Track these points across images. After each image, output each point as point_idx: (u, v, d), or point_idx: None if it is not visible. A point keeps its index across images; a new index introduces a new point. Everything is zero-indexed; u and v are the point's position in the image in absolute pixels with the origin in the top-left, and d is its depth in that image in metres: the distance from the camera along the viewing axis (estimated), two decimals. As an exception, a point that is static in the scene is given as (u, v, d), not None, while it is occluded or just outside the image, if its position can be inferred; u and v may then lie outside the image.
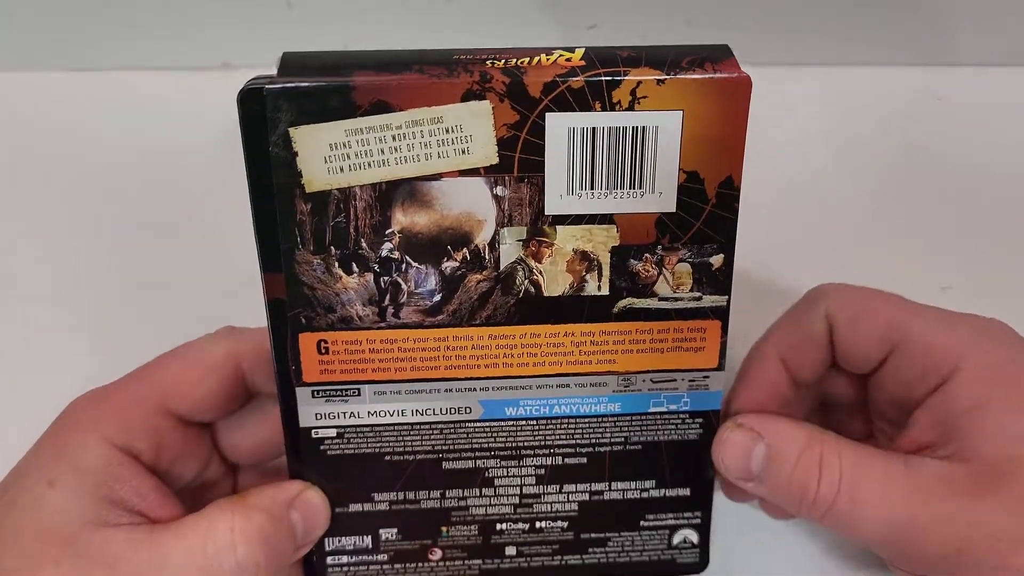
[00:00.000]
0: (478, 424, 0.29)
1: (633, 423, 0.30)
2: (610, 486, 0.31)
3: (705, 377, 0.30)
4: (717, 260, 0.28)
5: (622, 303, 0.28)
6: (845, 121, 0.39)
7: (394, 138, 0.26)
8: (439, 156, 0.26)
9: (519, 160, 0.26)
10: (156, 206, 0.40)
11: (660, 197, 0.27)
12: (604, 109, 0.26)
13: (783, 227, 0.36)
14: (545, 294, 0.28)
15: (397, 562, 0.31)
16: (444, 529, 0.31)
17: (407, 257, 0.27)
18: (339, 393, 0.29)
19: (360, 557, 0.31)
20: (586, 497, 0.31)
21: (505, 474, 0.30)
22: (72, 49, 0.41)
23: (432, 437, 0.30)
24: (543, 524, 0.31)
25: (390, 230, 0.27)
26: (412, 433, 0.29)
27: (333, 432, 0.29)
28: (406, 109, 0.26)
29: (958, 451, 0.28)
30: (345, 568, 0.31)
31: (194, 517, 0.28)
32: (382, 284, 0.28)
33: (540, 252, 0.28)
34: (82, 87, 0.42)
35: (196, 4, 0.40)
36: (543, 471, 0.30)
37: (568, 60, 0.26)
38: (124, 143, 0.41)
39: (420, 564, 0.31)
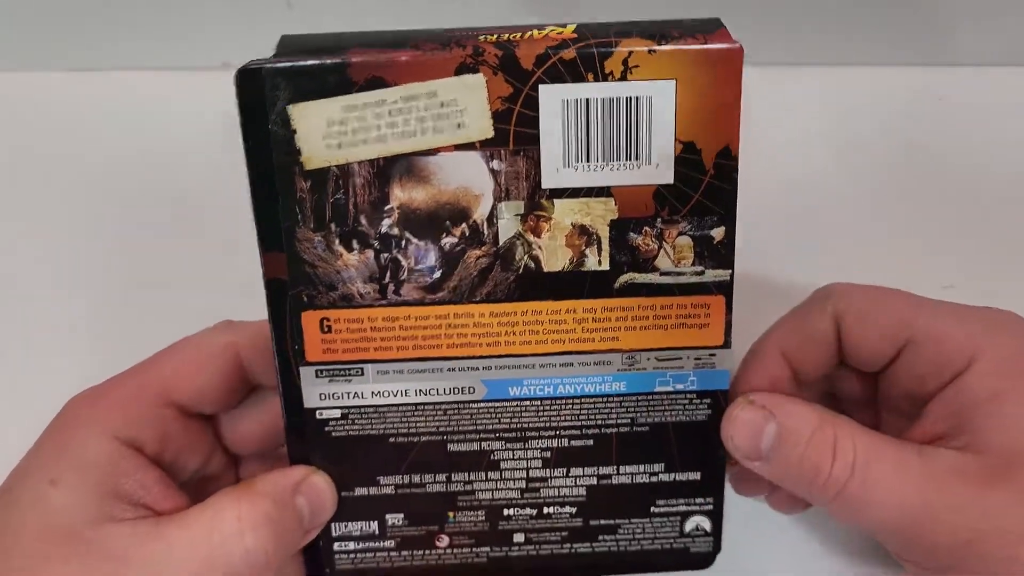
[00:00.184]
0: (482, 404, 0.29)
1: (639, 403, 0.30)
2: (618, 470, 0.30)
3: (711, 355, 0.29)
4: (718, 233, 0.28)
5: (623, 278, 0.28)
6: (845, 121, 0.39)
7: (390, 113, 0.26)
8: (435, 131, 0.27)
9: (514, 133, 0.27)
10: (156, 206, 0.41)
11: (657, 168, 0.27)
12: (597, 80, 0.26)
13: (783, 227, 0.36)
14: (545, 269, 0.28)
15: (404, 549, 0.31)
16: (451, 514, 0.31)
17: (406, 233, 0.28)
18: (343, 373, 0.29)
19: (367, 544, 0.31)
20: (594, 481, 0.30)
21: (511, 457, 0.30)
22: (72, 49, 0.42)
23: (436, 418, 0.29)
24: (551, 510, 0.31)
25: (389, 206, 0.27)
26: (416, 414, 0.29)
27: (337, 413, 0.29)
28: (401, 84, 0.26)
29: (971, 443, 0.28)
30: (352, 555, 0.31)
31: (199, 507, 0.28)
32: (382, 261, 0.28)
33: (538, 227, 0.28)
34: (82, 87, 0.42)
35: (196, 4, 0.40)
36: (549, 454, 0.30)
37: (560, 33, 0.26)
38: (124, 143, 0.42)
39: (427, 551, 0.31)
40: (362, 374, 0.29)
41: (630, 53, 0.26)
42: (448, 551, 0.31)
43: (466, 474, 0.30)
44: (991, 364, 0.28)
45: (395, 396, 0.29)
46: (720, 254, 0.28)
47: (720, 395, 0.30)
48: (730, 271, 0.28)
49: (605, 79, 0.26)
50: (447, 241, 0.28)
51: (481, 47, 0.26)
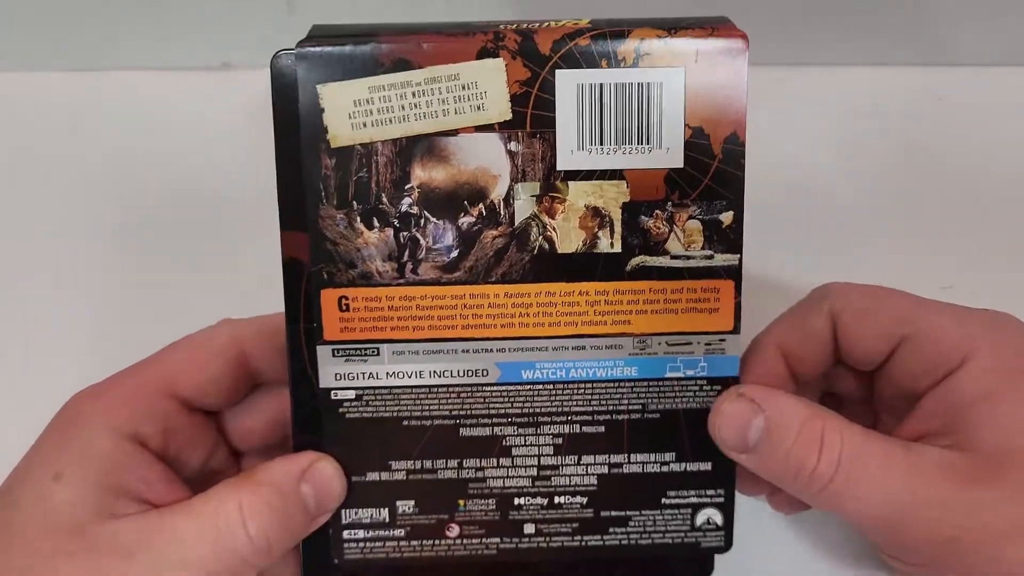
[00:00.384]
0: (495, 388, 0.30)
1: (650, 389, 0.30)
2: (629, 458, 0.30)
3: (721, 340, 0.30)
4: (727, 217, 0.29)
5: (635, 261, 0.29)
6: (845, 121, 0.40)
7: (414, 95, 0.28)
8: (456, 112, 0.28)
9: (531, 116, 0.28)
10: (156, 206, 0.41)
11: (668, 152, 0.28)
12: (610, 66, 0.28)
13: (783, 227, 0.36)
14: (559, 251, 0.29)
15: (414, 538, 0.31)
16: (461, 502, 0.31)
17: (425, 212, 0.29)
18: (359, 352, 0.29)
19: (377, 532, 0.31)
20: (605, 470, 0.30)
21: (523, 443, 0.30)
22: (72, 49, 0.42)
23: (449, 401, 0.30)
24: (562, 499, 0.31)
25: (409, 185, 0.28)
26: (430, 396, 0.30)
27: (352, 394, 0.30)
28: (426, 67, 0.28)
29: (960, 440, 0.28)
30: (362, 544, 0.31)
31: (203, 497, 0.28)
32: (401, 239, 0.29)
33: (553, 208, 0.29)
34: (82, 87, 0.42)
35: (196, 4, 0.41)
36: (560, 440, 0.30)
37: (576, 24, 0.28)
38: (124, 143, 0.42)
39: (437, 541, 0.31)
40: (378, 354, 0.29)
41: (642, 41, 0.28)
42: (458, 542, 0.31)
43: (478, 460, 0.30)
44: (985, 363, 0.29)
45: (410, 377, 0.30)
46: (729, 238, 0.29)
47: (731, 382, 0.30)
48: (739, 256, 0.29)
49: (618, 65, 0.28)
50: (465, 221, 0.29)
51: (502, 33, 0.27)
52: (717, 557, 0.32)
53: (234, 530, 0.27)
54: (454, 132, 0.28)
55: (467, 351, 0.29)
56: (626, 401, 0.30)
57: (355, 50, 0.27)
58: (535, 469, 0.30)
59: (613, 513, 0.31)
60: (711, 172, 0.28)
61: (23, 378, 0.39)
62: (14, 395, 0.38)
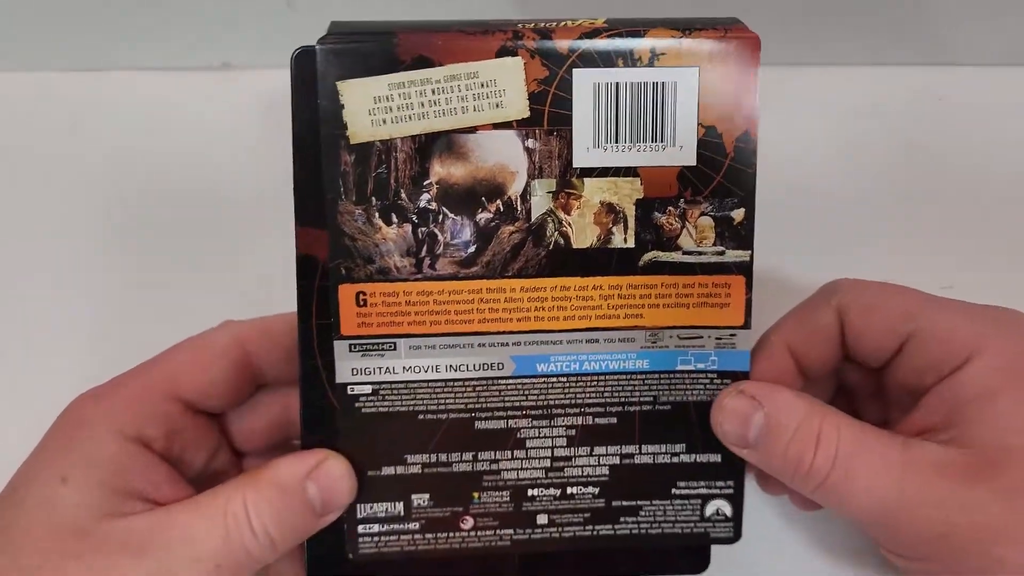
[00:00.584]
0: (510, 381, 0.30)
1: (661, 381, 0.30)
2: (640, 449, 0.31)
3: (732, 335, 0.30)
4: (738, 214, 0.30)
5: (647, 256, 0.30)
6: (845, 121, 0.40)
7: (433, 92, 0.28)
8: (475, 109, 0.28)
9: (548, 114, 0.28)
10: (156, 206, 0.41)
11: (681, 150, 0.29)
12: (626, 66, 0.28)
13: (783, 227, 0.37)
14: (574, 246, 0.29)
15: (428, 531, 0.31)
16: (476, 495, 0.31)
17: (444, 208, 0.29)
18: (376, 347, 0.30)
19: (391, 526, 0.31)
20: (617, 460, 0.31)
21: (537, 435, 0.31)
22: (72, 49, 0.42)
23: (465, 394, 0.30)
24: (574, 490, 0.31)
25: (428, 181, 0.29)
26: (445, 390, 0.30)
27: (368, 389, 0.30)
28: (445, 64, 0.28)
29: (958, 437, 0.28)
30: (376, 538, 0.31)
31: (210, 492, 0.28)
32: (419, 235, 0.29)
33: (569, 204, 0.29)
34: (82, 87, 0.42)
35: (196, 4, 0.40)
36: (574, 432, 0.31)
37: (592, 23, 0.29)
38: (124, 143, 0.42)
39: (452, 534, 0.31)
40: (394, 349, 0.30)
41: (657, 42, 0.28)
42: (472, 534, 0.31)
43: (492, 452, 0.31)
44: (990, 361, 0.29)
45: (426, 372, 0.30)
46: (740, 235, 0.30)
47: (741, 376, 0.31)
48: (750, 252, 0.30)
49: (634, 65, 0.28)
50: (482, 216, 0.29)
51: (520, 31, 0.28)
52: (723, 555, 0.32)
53: (241, 526, 0.28)
54: (473, 129, 0.28)
55: (483, 345, 0.30)
56: (638, 393, 0.31)
57: (375, 47, 0.28)
58: (548, 461, 0.31)
59: (624, 503, 0.31)
60: (723, 170, 0.29)
61: (23, 378, 0.39)
62: (14, 395, 0.38)
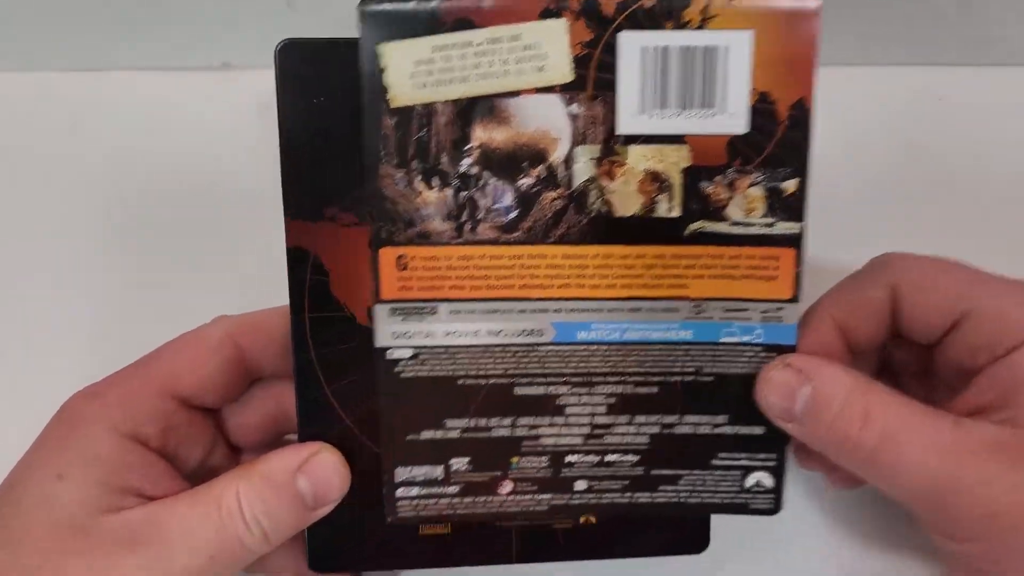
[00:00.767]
0: (551, 348, 0.30)
1: (705, 353, 0.30)
2: (681, 419, 0.31)
3: (779, 309, 0.30)
4: (790, 185, 0.28)
5: (693, 226, 0.29)
6: (845, 121, 0.39)
7: (475, 55, 0.28)
8: (517, 73, 0.28)
9: (593, 78, 0.28)
10: (156, 206, 0.41)
11: (731, 118, 0.28)
12: (675, 28, 0.27)
13: None
14: (617, 214, 0.29)
15: (467, 495, 0.31)
16: (514, 460, 0.31)
17: (485, 173, 0.29)
18: (416, 311, 0.30)
19: (430, 489, 0.31)
20: (657, 430, 0.31)
21: (577, 402, 0.31)
22: (72, 49, 0.42)
23: (505, 360, 0.30)
24: (613, 457, 0.31)
25: (469, 145, 0.28)
26: (486, 355, 0.30)
27: (408, 353, 0.30)
28: (487, 26, 0.27)
29: (1012, 417, 0.28)
30: (415, 501, 0.31)
31: (205, 486, 0.29)
32: (460, 199, 0.29)
33: (612, 171, 0.28)
34: (82, 87, 0.42)
35: (196, 4, 0.40)
36: (614, 400, 0.30)
37: (642, -17, 0.27)
38: (124, 143, 0.42)
39: (490, 498, 0.31)
40: (435, 312, 0.30)
41: (708, 3, 0.27)
42: (510, 498, 0.31)
43: (532, 418, 0.31)
44: None
45: (466, 336, 0.30)
46: (791, 207, 0.29)
47: (787, 350, 0.30)
48: (801, 224, 0.29)
49: (683, 28, 0.27)
50: (524, 182, 0.29)
51: (565, -7, 0.27)
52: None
53: (234, 518, 0.28)
54: (515, 93, 0.28)
55: (523, 311, 0.30)
56: (680, 364, 0.30)
57: (417, 8, 0.27)
58: (588, 428, 0.31)
59: (664, 472, 0.31)
60: (776, 139, 0.28)
61: (23, 378, 0.39)
62: (14, 395, 0.39)
